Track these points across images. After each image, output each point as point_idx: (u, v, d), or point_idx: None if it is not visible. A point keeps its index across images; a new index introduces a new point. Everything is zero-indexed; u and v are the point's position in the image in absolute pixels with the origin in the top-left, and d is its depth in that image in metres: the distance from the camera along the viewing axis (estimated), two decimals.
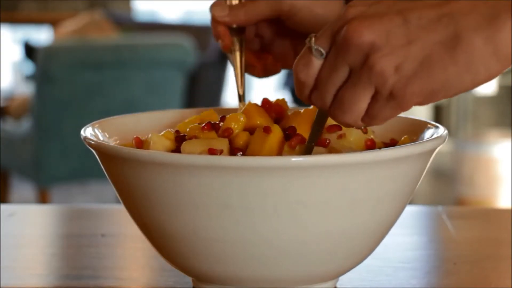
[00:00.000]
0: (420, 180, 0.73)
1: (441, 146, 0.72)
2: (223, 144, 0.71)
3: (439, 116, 4.41)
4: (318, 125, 0.71)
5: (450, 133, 0.78)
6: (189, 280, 0.77)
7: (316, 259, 0.70)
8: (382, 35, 0.62)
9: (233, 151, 0.72)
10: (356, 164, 0.66)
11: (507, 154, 3.63)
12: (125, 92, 3.24)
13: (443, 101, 4.30)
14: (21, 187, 4.09)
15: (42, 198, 3.33)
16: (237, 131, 0.74)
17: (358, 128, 0.71)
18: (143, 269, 0.90)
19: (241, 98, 0.84)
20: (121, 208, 0.76)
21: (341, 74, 0.64)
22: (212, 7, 0.84)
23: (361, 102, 0.64)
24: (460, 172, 3.73)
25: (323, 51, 0.64)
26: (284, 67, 0.89)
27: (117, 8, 5.80)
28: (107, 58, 3.19)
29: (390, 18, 0.62)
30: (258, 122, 0.75)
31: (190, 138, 0.74)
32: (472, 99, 4.27)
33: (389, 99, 0.63)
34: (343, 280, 0.77)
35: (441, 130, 0.75)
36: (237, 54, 0.84)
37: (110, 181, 0.73)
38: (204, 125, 0.75)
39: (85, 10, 5.47)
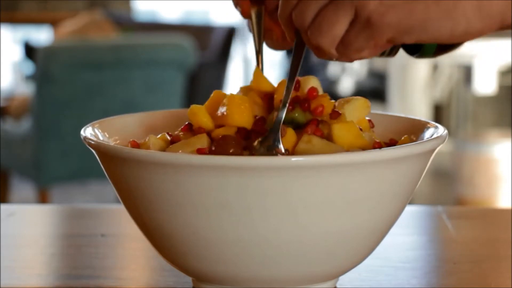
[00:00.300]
0: (420, 180, 0.73)
1: (441, 146, 0.72)
2: (202, 140, 0.72)
3: (439, 116, 4.40)
4: (297, 59, 0.72)
5: (450, 133, 0.78)
6: (189, 280, 0.77)
7: (316, 259, 0.70)
8: None
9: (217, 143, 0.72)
10: (356, 164, 0.66)
11: (507, 154, 3.63)
12: (125, 92, 3.24)
13: (443, 101, 4.30)
14: (21, 187, 4.09)
15: (42, 198, 3.33)
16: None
17: (330, 58, 0.71)
18: (143, 269, 0.90)
19: (259, 64, 0.84)
20: (121, 208, 0.76)
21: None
22: None
23: (339, 24, 0.66)
24: (460, 172, 3.73)
25: None
26: None
27: (117, 8, 5.80)
28: (107, 58, 3.19)
29: None
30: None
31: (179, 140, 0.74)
32: (472, 99, 4.27)
33: (365, 27, 0.65)
34: (343, 280, 0.77)
35: (441, 130, 0.75)
36: (255, 21, 0.85)
37: (110, 181, 0.73)
38: (182, 127, 0.75)
39: (85, 10, 5.47)
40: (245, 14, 0.85)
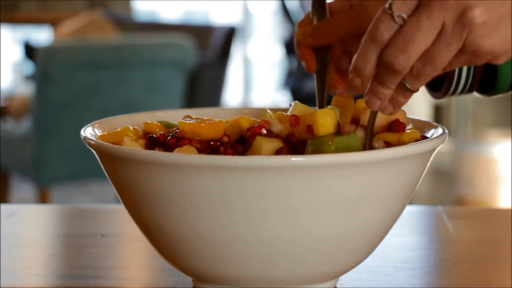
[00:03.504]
0: (420, 180, 0.73)
1: (441, 146, 0.72)
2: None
3: (439, 116, 4.40)
4: (371, 126, 0.74)
5: (450, 133, 0.78)
6: (189, 280, 0.77)
7: (316, 259, 0.70)
8: None
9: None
10: (356, 164, 0.66)
11: (507, 154, 3.63)
12: (125, 92, 3.24)
13: (443, 101, 4.30)
14: (21, 187, 4.09)
15: (42, 198, 3.33)
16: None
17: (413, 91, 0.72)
18: (143, 269, 0.90)
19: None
20: (121, 208, 0.76)
21: (432, 34, 0.66)
22: (296, 29, 0.85)
23: (450, 58, 0.67)
24: (460, 172, 3.73)
25: (404, 16, 0.66)
26: None
27: (117, 8, 5.80)
28: (107, 58, 3.19)
29: None
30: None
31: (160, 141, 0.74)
32: (472, 99, 4.27)
33: (467, 54, 0.68)
34: (343, 280, 0.77)
35: (441, 130, 0.75)
36: (320, 75, 0.84)
37: (110, 181, 0.73)
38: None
39: (85, 10, 5.47)
40: (309, 69, 0.85)
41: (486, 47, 0.67)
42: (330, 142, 0.71)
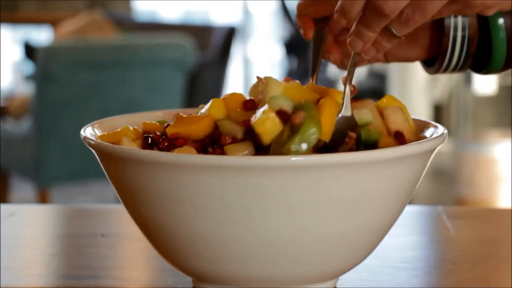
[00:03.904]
0: (420, 180, 0.73)
1: (441, 146, 0.72)
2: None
3: (439, 116, 4.40)
4: (353, 67, 0.74)
5: (450, 133, 0.78)
6: (189, 280, 0.77)
7: (316, 259, 0.70)
8: None
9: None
10: (356, 164, 0.66)
11: (507, 154, 3.63)
12: (125, 92, 3.24)
13: (443, 101, 4.31)
14: (21, 187, 4.09)
15: (42, 198, 3.33)
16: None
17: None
18: (143, 269, 0.90)
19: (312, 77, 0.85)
20: (121, 208, 0.76)
21: None
22: None
23: (441, 6, 0.67)
24: (460, 172, 3.73)
25: None
26: (373, 61, 0.90)
27: (117, 8, 5.80)
28: (107, 58, 3.19)
29: None
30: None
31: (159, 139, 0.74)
32: (472, 99, 4.27)
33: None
34: (343, 280, 0.77)
35: (441, 130, 0.75)
36: (316, 44, 0.85)
37: (110, 181, 0.73)
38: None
39: (85, 10, 5.47)
40: (306, 36, 0.86)
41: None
42: (287, 146, 0.69)
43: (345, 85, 0.73)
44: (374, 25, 0.69)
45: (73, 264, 0.89)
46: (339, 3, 0.70)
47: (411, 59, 0.90)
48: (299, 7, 0.86)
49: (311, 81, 0.84)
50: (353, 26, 0.70)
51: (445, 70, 0.88)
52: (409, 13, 0.68)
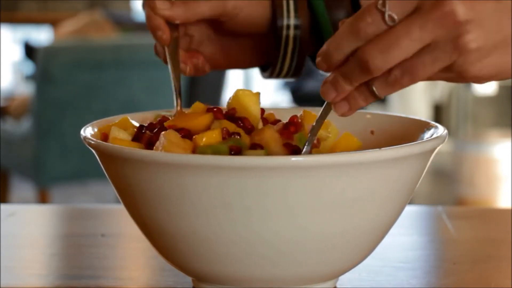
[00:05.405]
0: (420, 180, 0.73)
1: (441, 146, 0.72)
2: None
3: (439, 116, 4.41)
4: (322, 118, 0.70)
5: (450, 133, 0.78)
6: (189, 280, 0.77)
7: (316, 259, 0.70)
8: (480, 17, 0.63)
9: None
10: (356, 164, 0.66)
11: (507, 154, 3.63)
12: (125, 92, 3.24)
13: (443, 101, 4.31)
14: (21, 187, 4.09)
15: (42, 198, 3.33)
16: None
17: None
18: (143, 269, 0.90)
19: (178, 94, 0.83)
20: (121, 208, 0.76)
21: (420, 45, 0.63)
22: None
23: (432, 73, 0.64)
24: (460, 172, 3.73)
25: (395, 18, 0.63)
26: (213, 68, 0.88)
27: (117, 8, 5.80)
28: (107, 58, 3.19)
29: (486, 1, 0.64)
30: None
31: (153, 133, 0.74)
32: (472, 99, 4.27)
33: (453, 73, 0.65)
34: (343, 280, 0.77)
35: (441, 130, 0.75)
36: (173, 50, 0.83)
37: (110, 181, 0.73)
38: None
39: (85, 10, 5.47)
40: (166, 41, 0.83)
41: (474, 72, 0.65)
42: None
43: (310, 133, 0.71)
44: (354, 78, 0.64)
45: (73, 264, 0.89)
46: (324, 46, 0.65)
47: (251, 65, 0.91)
48: (158, 4, 0.82)
49: (179, 103, 0.81)
50: (331, 74, 0.66)
51: (277, 76, 0.89)
52: (397, 74, 0.64)
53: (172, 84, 0.83)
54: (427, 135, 0.76)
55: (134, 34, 3.93)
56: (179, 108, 0.82)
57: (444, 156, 3.86)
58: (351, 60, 0.64)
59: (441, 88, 4.12)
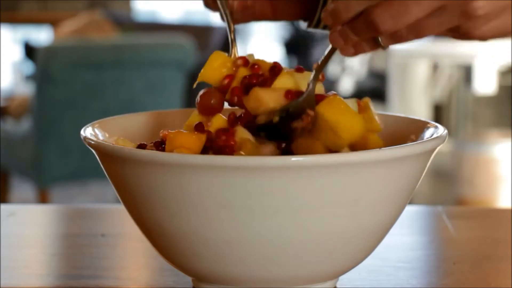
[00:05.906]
0: (420, 180, 0.73)
1: (441, 146, 0.72)
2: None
3: (439, 116, 4.40)
4: (327, 57, 0.73)
5: (450, 133, 0.78)
6: (189, 280, 0.77)
7: (316, 259, 0.70)
8: None
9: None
10: (356, 164, 0.66)
11: (507, 154, 3.63)
12: (125, 92, 3.24)
13: (443, 101, 4.31)
14: (21, 187, 4.09)
15: (42, 198, 3.33)
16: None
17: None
18: (143, 269, 0.90)
19: (233, 42, 0.84)
20: (121, 208, 0.76)
21: (429, 11, 0.66)
22: None
23: (437, 33, 0.67)
24: (460, 172, 3.73)
25: None
26: (261, 19, 0.90)
27: (117, 8, 5.80)
28: (107, 58, 3.19)
29: None
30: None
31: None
32: (472, 99, 4.27)
33: (458, 32, 0.68)
34: (343, 280, 0.77)
35: (441, 130, 0.75)
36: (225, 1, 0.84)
37: (110, 181, 0.73)
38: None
39: (85, 10, 5.47)
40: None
41: (478, 34, 0.68)
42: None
43: (315, 70, 0.73)
44: (362, 33, 0.68)
45: (73, 264, 0.89)
46: (332, 4, 0.68)
47: (295, 17, 0.91)
48: None
49: (233, 52, 0.82)
50: (340, 26, 0.69)
51: (316, 25, 0.89)
52: (403, 32, 0.67)
53: (228, 34, 0.83)
54: (427, 135, 0.76)
55: (134, 34, 3.93)
56: (233, 56, 0.82)
57: (444, 156, 3.86)
58: (361, 19, 0.67)
59: (441, 88, 4.12)
